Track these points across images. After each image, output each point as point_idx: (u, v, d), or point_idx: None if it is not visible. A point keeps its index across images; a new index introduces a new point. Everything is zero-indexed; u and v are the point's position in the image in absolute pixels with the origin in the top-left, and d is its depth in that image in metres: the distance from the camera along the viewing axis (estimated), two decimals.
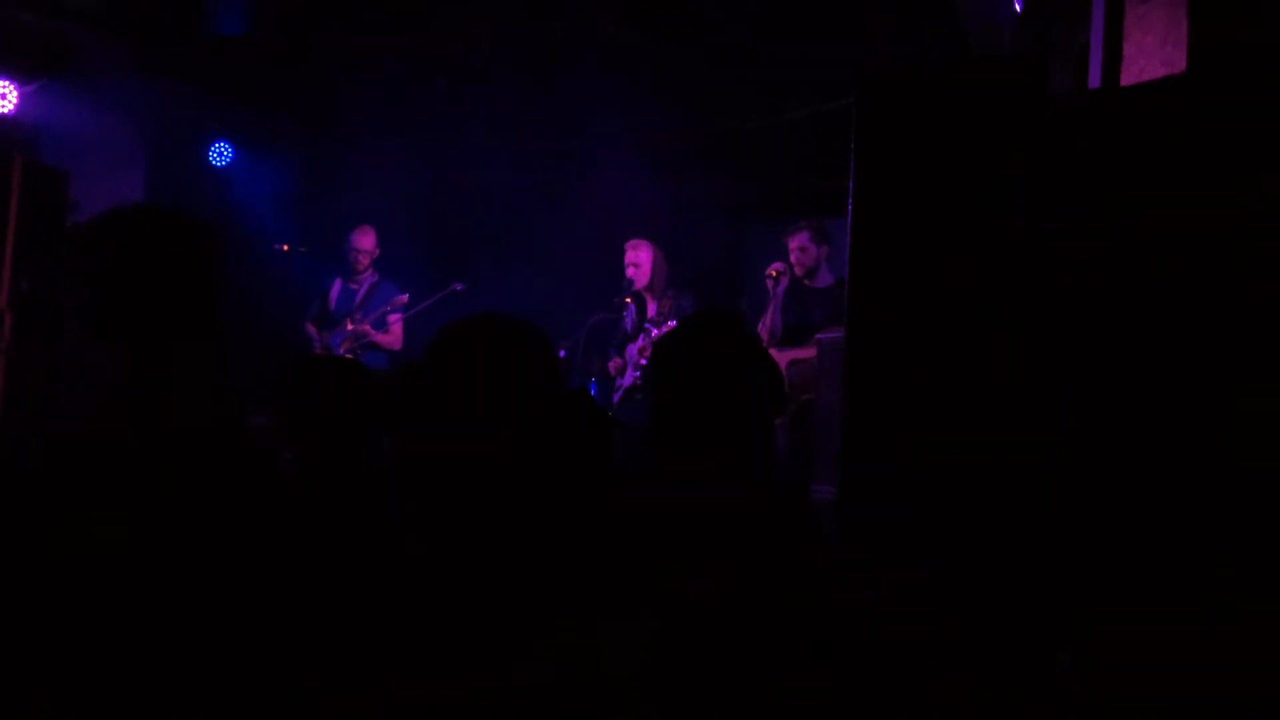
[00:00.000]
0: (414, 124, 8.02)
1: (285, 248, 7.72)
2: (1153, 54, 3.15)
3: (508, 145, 7.87)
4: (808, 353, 5.80)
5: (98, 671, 1.63)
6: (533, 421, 1.84)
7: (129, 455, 1.73)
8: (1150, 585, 2.59)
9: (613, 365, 6.74)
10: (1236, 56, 2.90)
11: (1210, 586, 2.50)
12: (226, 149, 8.18)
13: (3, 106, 6.62)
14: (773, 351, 5.82)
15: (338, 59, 7.32)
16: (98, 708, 1.62)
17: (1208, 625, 2.47)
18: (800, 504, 2.21)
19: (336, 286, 7.44)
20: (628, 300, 6.70)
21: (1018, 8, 4.74)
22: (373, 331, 7.22)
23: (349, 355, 7.02)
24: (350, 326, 7.24)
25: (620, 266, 6.77)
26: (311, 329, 7.40)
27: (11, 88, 6.64)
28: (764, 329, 6.12)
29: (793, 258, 6.25)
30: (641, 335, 6.58)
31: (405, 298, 7.25)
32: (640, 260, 6.71)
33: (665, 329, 6.27)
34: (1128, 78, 3.26)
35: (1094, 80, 3.47)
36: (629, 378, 6.61)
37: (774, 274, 6.18)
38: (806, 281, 6.24)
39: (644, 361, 6.35)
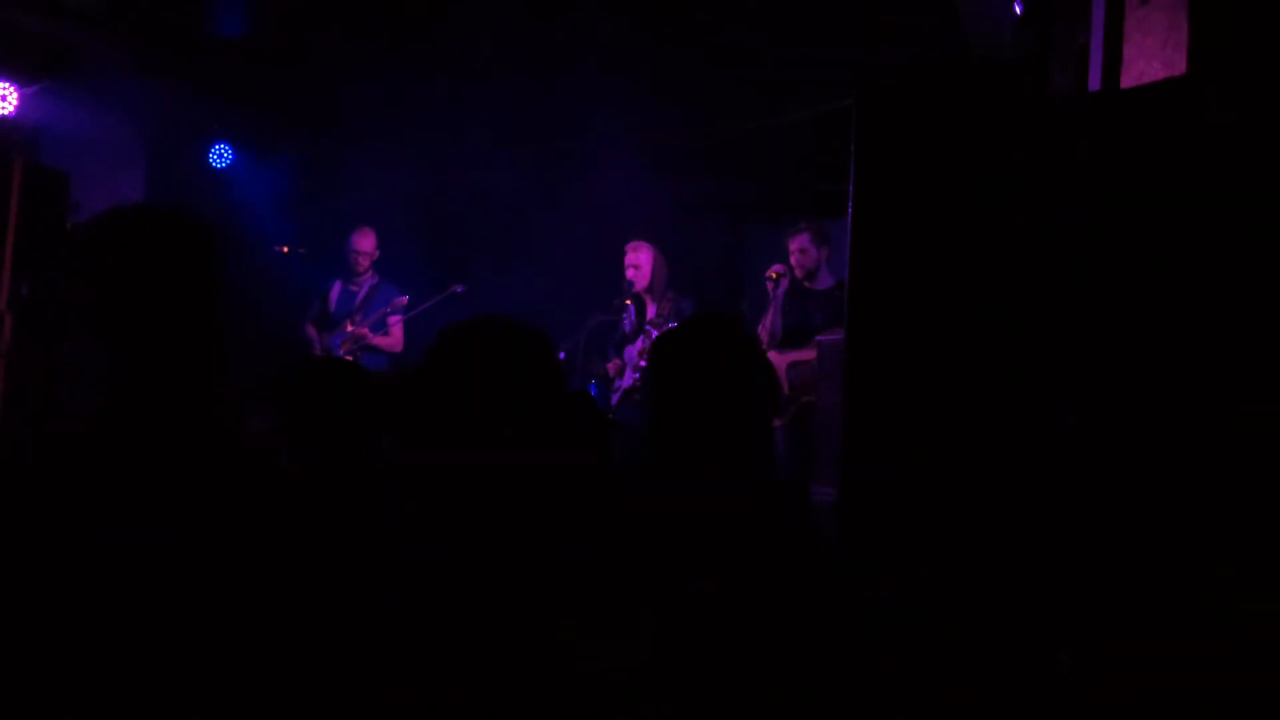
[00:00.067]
0: (414, 125, 8.02)
1: (285, 249, 7.72)
2: (1153, 56, 3.15)
3: (508, 147, 7.87)
4: (808, 354, 5.80)
5: (98, 671, 1.63)
6: (533, 423, 1.84)
7: (129, 455, 1.73)
8: (1150, 585, 2.59)
9: (611, 366, 6.74)
10: (1236, 59, 2.90)
11: (1210, 586, 2.50)
12: (227, 150, 8.18)
13: (3, 108, 6.62)
14: (773, 353, 5.85)
15: (337, 60, 7.32)
16: (98, 708, 1.62)
17: (1208, 625, 2.47)
18: (799, 504, 2.22)
19: (336, 288, 7.44)
20: (627, 302, 6.70)
21: (1018, 9, 4.74)
22: (371, 335, 7.22)
23: (349, 357, 7.02)
24: (350, 328, 7.24)
25: (620, 268, 6.77)
26: (311, 330, 7.40)
27: (12, 89, 6.64)
28: (764, 331, 6.12)
29: (793, 259, 6.25)
30: (641, 337, 6.58)
31: (405, 299, 7.25)
32: (640, 262, 6.71)
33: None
34: (1128, 80, 3.26)
35: (1094, 82, 3.47)
36: (628, 379, 6.61)
37: (774, 276, 6.18)
38: (807, 283, 6.24)
39: (643, 363, 6.35)
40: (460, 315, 1.95)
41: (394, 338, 7.31)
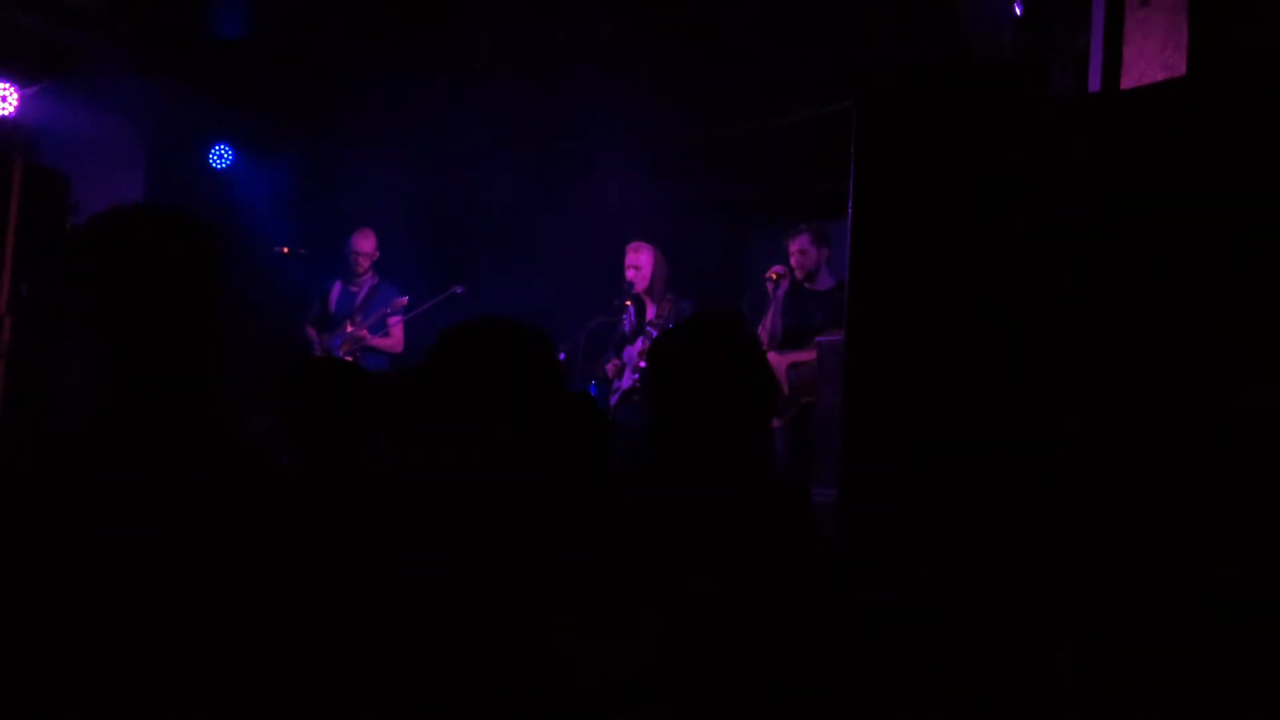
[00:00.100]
0: (414, 126, 8.02)
1: (285, 250, 7.72)
2: (1153, 57, 3.15)
3: (508, 147, 7.86)
4: (808, 355, 5.80)
5: (98, 671, 1.62)
6: (533, 423, 1.84)
7: (129, 455, 1.73)
8: (1150, 585, 2.59)
9: (610, 367, 6.73)
10: (1236, 60, 2.90)
11: (1210, 586, 2.50)
12: (227, 151, 8.19)
13: (3, 109, 6.62)
14: (773, 354, 5.85)
15: (337, 60, 7.32)
16: (98, 708, 1.62)
17: (1208, 625, 2.47)
18: (799, 504, 2.22)
19: (336, 289, 7.44)
20: (627, 303, 6.70)
21: (1018, 11, 4.74)
22: (370, 336, 7.22)
23: (348, 358, 7.01)
24: (349, 329, 7.23)
25: (620, 269, 6.77)
26: (311, 331, 7.40)
27: (12, 90, 6.65)
28: (764, 332, 6.12)
29: (793, 260, 6.25)
30: (641, 338, 6.58)
31: (405, 300, 7.25)
32: (641, 263, 6.71)
33: None
34: (1128, 81, 3.26)
35: (1094, 83, 3.47)
36: (627, 380, 6.61)
37: (774, 277, 6.18)
38: (807, 284, 6.24)
39: (643, 364, 6.35)
40: (460, 316, 1.95)
41: (394, 338, 7.31)
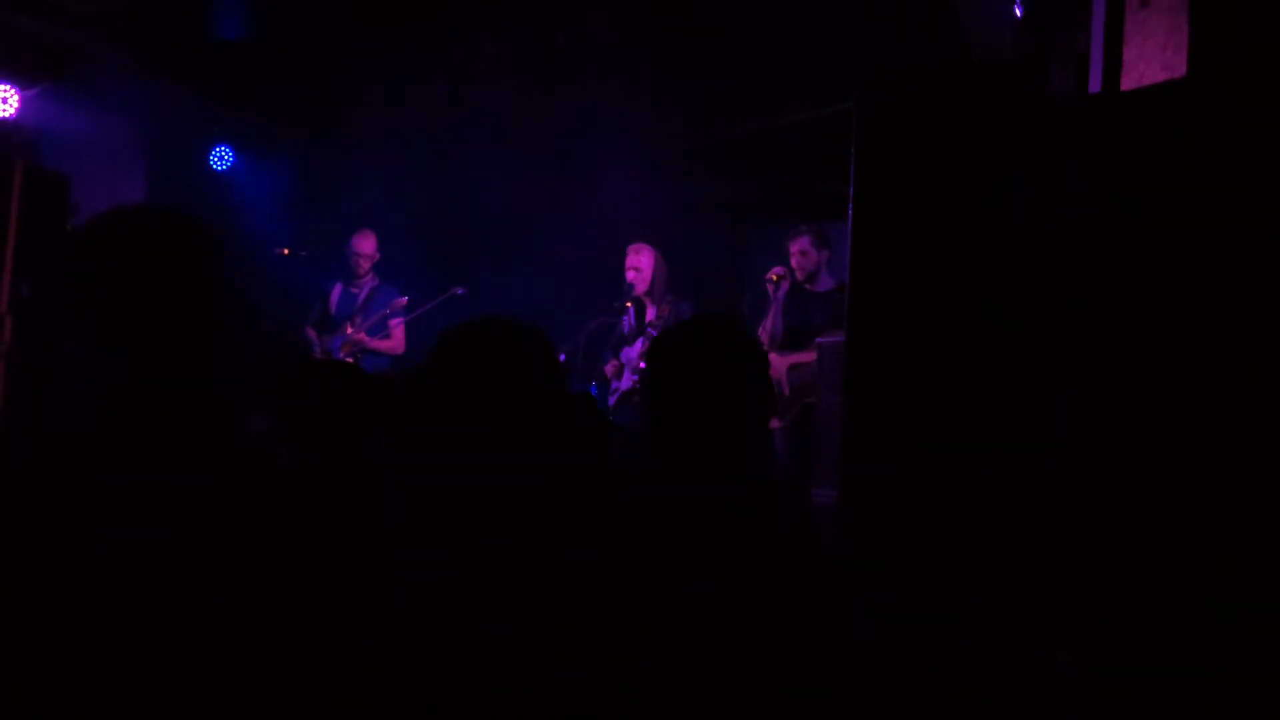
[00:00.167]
0: (414, 127, 8.03)
1: (286, 252, 7.72)
2: (1153, 59, 3.15)
3: (508, 148, 7.87)
4: (808, 357, 5.81)
5: (98, 671, 1.63)
6: (533, 424, 1.84)
7: (129, 455, 1.73)
8: (1150, 585, 2.59)
9: (609, 368, 6.73)
10: (1236, 60, 2.90)
11: (1210, 586, 2.50)
12: (227, 153, 8.19)
13: (4, 111, 6.62)
14: (773, 356, 5.85)
15: (338, 62, 7.32)
16: (98, 708, 1.62)
17: (1208, 625, 2.47)
18: (799, 504, 2.22)
19: (337, 291, 7.44)
20: (627, 304, 6.70)
21: (1018, 12, 4.74)
22: (369, 340, 7.22)
23: (349, 360, 7.01)
24: (349, 332, 7.23)
25: (621, 270, 6.77)
26: (312, 333, 7.40)
27: (13, 92, 6.65)
28: (764, 333, 6.12)
29: (794, 262, 6.25)
30: (641, 339, 6.58)
31: (404, 300, 7.25)
32: (641, 264, 6.71)
33: None
34: (1128, 82, 3.26)
35: (1094, 84, 3.47)
36: (626, 381, 6.60)
37: (774, 278, 6.18)
38: (807, 285, 6.24)
39: (644, 365, 6.35)
40: (461, 317, 1.95)
41: (396, 340, 7.30)
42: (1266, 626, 2.41)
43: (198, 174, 8.01)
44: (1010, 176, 2.96)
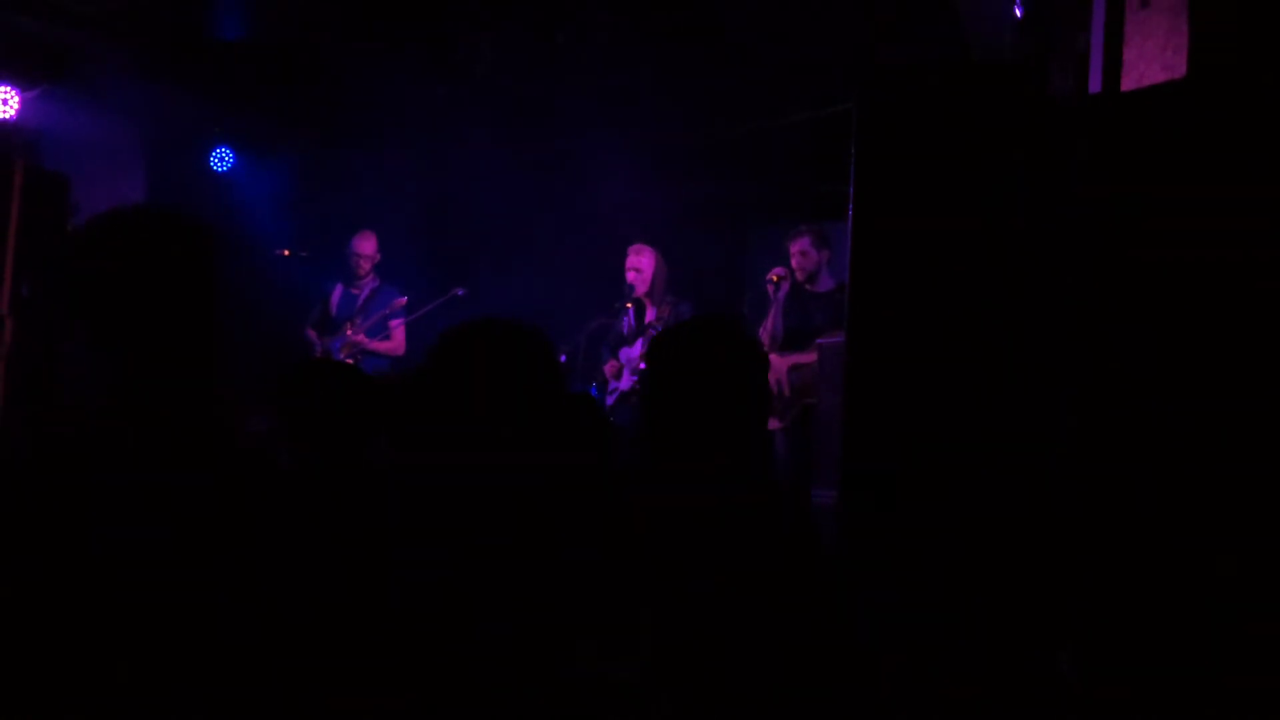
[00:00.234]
0: (415, 128, 8.03)
1: (286, 253, 7.73)
2: (1153, 59, 3.15)
3: (508, 149, 7.87)
4: (809, 357, 5.81)
5: (98, 671, 1.63)
6: (533, 424, 1.84)
7: (129, 455, 1.73)
8: (1150, 585, 2.59)
9: (608, 368, 6.73)
10: (1236, 60, 2.90)
11: (1210, 586, 2.50)
12: (227, 154, 8.19)
13: (4, 112, 6.63)
14: (774, 356, 5.85)
15: (338, 63, 7.32)
16: (98, 708, 1.62)
17: (1208, 625, 2.47)
18: (799, 504, 2.22)
19: (337, 291, 7.44)
20: (627, 305, 6.70)
21: (1018, 12, 4.74)
22: (369, 341, 7.22)
23: (350, 361, 7.01)
24: (349, 333, 7.23)
25: (621, 270, 6.77)
26: (312, 334, 7.40)
27: (13, 93, 6.65)
28: (765, 333, 6.12)
29: (794, 262, 6.25)
30: (641, 340, 6.58)
31: (404, 300, 7.25)
32: (642, 265, 6.71)
33: None
34: (1128, 82, 3.26)
35: (1094, 84, 3.47)
36: (625, 382, 6.60)
37: (775, 279, 6.18)
38: (808, 286, 6.24)
39: (643, 366, 6.35)
40: (461, 318, 1.95)
41: (396, 341, 7.31)
42: (1266, 626, 2.41)
43: (198, 174, 8.01)
44: (1010, 177, 2.96)
